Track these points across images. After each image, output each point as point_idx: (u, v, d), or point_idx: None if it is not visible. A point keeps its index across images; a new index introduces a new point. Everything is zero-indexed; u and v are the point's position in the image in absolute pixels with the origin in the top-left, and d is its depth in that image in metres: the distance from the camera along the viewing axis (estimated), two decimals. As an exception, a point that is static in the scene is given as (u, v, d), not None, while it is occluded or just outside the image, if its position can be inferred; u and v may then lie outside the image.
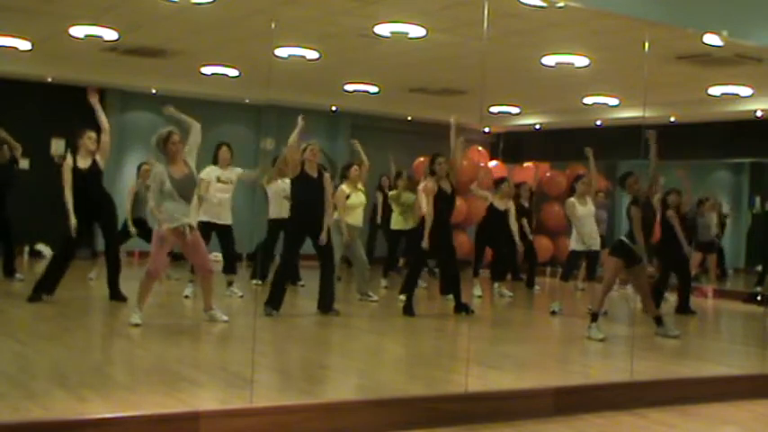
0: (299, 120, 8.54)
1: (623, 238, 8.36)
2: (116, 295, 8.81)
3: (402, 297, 9.49)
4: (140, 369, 5.92)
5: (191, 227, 7.52)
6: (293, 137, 8.54)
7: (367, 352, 7.35)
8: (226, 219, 9.51)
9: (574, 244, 9.76)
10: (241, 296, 9.62)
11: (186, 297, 9.36)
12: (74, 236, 8.47)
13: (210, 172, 9.44)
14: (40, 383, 5.15)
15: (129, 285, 8.59)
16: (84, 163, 8.53)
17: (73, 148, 8.67)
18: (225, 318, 7.88)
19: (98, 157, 8.56)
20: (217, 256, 13.25)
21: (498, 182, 11.50)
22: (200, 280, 7.98)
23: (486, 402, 5.35)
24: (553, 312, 9.85)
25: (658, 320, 8.51)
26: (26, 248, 13.04)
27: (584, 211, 9.70)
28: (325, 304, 8.67)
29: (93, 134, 8.53)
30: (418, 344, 7.95)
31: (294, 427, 4.69)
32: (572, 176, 11.29)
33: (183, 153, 7.44)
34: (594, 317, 8.11)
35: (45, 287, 8.51)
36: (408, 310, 9.02)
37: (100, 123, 8.51)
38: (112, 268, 8.89)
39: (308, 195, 8.58)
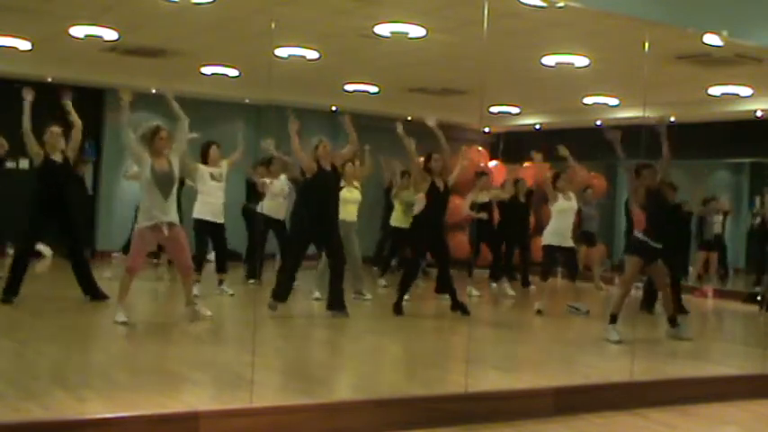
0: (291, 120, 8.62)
1: (638, 234, 8.06)
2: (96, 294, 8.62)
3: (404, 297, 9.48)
4: (140, 369, 5.90)
5: (170, 224, 7.43)
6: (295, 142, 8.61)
7: (367, 352, 7.35)
8: (221, 217, 9.51)
9: (549, 238, 9.85)
10: (232, 294, 9.58)
11: (195, 296, 9.34)
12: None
13: (203, 170, 9.42)
14: (40, 383, 5.15)
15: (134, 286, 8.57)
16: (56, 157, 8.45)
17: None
18: (209, 312, 7.90)
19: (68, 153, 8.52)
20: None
21: (479, 174, 11.60)
22: (181, 278, 7.85)
23: (486, 402, 5.36)
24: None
25: (672, 321, 8.37)
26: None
27: (567, 205, 9.85)
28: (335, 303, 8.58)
29: (57, 129, 8.47)
30: (418, 344, 7.94)
31: (294, 427, 4.69)
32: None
33: (169, 149, 7.45)
34: (613, 318, 7.96)
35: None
36: (397, 308, 8.96)
37: (71, 123, 8.52)
38: (81, 267, 8.60)
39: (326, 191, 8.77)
